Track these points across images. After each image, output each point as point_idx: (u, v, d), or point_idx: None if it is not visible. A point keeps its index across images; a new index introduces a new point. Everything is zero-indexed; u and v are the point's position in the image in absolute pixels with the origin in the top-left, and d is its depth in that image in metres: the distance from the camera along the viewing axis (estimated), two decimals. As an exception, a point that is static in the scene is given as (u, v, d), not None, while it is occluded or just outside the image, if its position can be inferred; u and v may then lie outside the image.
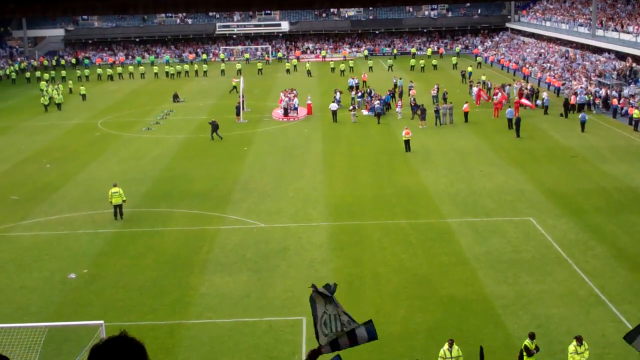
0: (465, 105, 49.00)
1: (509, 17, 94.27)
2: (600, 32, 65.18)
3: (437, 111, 47.76)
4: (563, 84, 58.74)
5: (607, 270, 23.81)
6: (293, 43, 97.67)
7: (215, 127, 44.51)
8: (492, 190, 32.88)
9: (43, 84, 66.41)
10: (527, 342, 17.85)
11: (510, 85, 57.53)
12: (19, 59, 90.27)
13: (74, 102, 62.74)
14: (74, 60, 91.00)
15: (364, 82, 62.43)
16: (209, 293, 22.88)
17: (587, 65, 62.36)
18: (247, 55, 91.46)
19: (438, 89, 55.15)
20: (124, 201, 29.96)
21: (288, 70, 78.27)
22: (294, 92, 55.86)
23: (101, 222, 29.80)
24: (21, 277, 24.73)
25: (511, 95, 53.87)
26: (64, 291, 23.48)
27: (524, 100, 50.91)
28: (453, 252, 25.68)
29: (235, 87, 62.86)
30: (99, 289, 23.56)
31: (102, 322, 18.19)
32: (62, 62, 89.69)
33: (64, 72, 77.99)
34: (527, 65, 70.51)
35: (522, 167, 36.62)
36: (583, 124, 44.78)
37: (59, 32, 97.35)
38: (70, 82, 69.34)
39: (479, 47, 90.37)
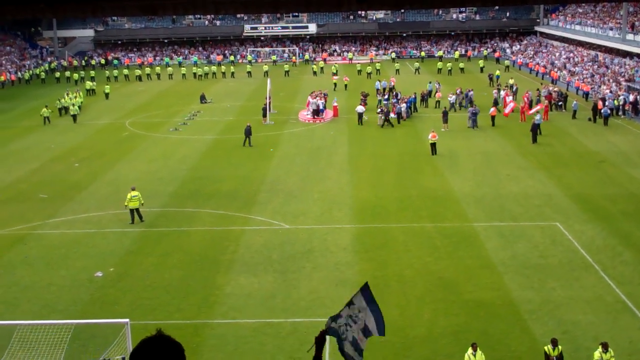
0: (492, 109, 48.72)
1: (538, 20, 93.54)
2: (630, 37, 64.41)
3: (474, 113, 47.53)
4: (592, 89, 58.17)
5: (635, 277, 23.54)
6: (320, 45, 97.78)
7: (248, 131, 43.85)
8: (519, 194, 32.66)
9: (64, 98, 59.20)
10: (547, 347, 17.73)
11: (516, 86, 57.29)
12: (49, 59, 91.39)
13: (100, 102, 63.44)
14: (103, 61, 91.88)
15: (393, 85, 62.18)
16: (234, 293, 22.99)
17: (617, 70, 61.69)
18: (274, 57, 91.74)
19: (461, 92, 54.83)
20: (141, 204, 30.09)
21: (315, 73, 78.36)
22: (323, 94, 55.74)
23: (128, 221, 30.04)
24: (49, 274, 25.03)
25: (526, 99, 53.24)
26: (91, 289, 23.73)
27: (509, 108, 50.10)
28: (479, 256, 25.55)
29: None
30: (126, 287, 23.78)
31: (127, 320, 18.37)
32: (92, 62, 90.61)
33: (93, 72, 78.78)
34: (555, 69, 69.93)
35: (549, 172, 36.33)
36: (606, 118, 45.57)
37: (89, 32, 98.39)
38: (94, 83, 69.81)
39: (507, 50, 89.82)
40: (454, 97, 54.22)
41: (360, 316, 6.88)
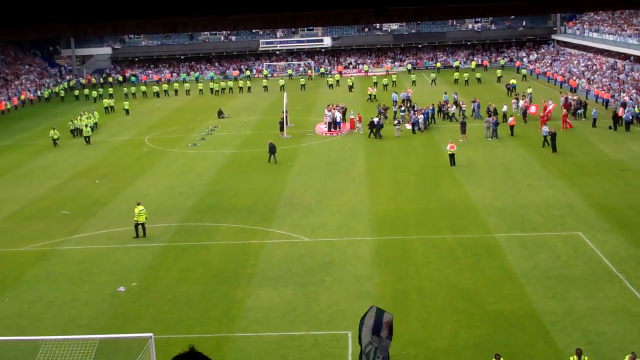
0: (511, 119, 48.58)
1: (555, 28, 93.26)
2: (649, 44, 64.05)
3: (496, 123, 47.44)
4: (612, 96, 57.84)
5: (659, 286, 23.32)
6: (335, 58, 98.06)
7: (272, 148, 43.54)
8: (540, 204, 32.48)
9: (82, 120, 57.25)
10: (571, 358, 17.61)
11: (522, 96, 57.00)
12: (67, 77, 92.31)
13: (119, 118, 64.00)
14: (121, 78, 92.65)
15: (410, 96, 62.11)
16: (255, 306, 23.03)
17: (637, 76, 61.32)
18: (290, 71, 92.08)
19: (479, 105, 54.72)
20: (146, 218, 30.38)
21: (331, 86, 78.57)
22: (341, 106, 55.73)
23: (149, 236, 30.23)
24: (72, 290, 25.21)
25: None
26: (114, 304, 23.86)
27: (530, 109, 50.85)
28: (500, 267, 25.42)
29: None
30: (148, 301, 23.90)
31: (151, 334, 18.46)
32: (110, 79, 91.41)
33: (111, 90, 79.43)
34: (574, 78, 69.64)
35: (571, 181, 36.12)
36: (628, 123, 45.70)
37: (106, 50, 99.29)
38: (113, 101, 70.25)
39: (524, 59, 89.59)
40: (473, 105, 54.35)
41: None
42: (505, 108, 52.82)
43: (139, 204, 30.49)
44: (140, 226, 30.17)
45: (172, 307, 23.39)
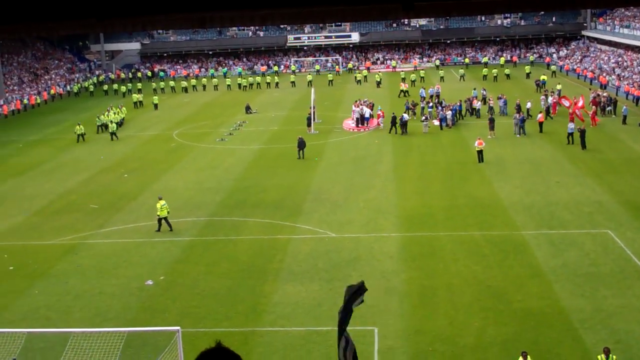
0: (540, 116, 48.13)
1: (585, 24, 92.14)
2: (681, 39, 63.06)
3: (523, 120, 47.02)
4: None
5: (690, 285, 22.99)
6: (363, 54, 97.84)
7: (301, 144, 43.51)
8: (569, 201, 32.17)
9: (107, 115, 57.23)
10: (599, 357, 17.44)
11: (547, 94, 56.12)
12: (96, 72, 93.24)
13: (148, 113, 64.52)
14: (149, 73, 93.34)
15: (439, 91, 61.74)
16: (281, 301, 23.10)
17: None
18: (317, 67, 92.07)
19: (505, 102, 54.22)
20: (168, 213, 30.60)
21: (358, 81, 78.42)
22: (367, 102, 55.62)
23: (177, 231, 30.45)
24: (100, 283, 25.49)
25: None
26: (142, 297, 24.08)
27: (563, 101, 50.21)
28: (528, 264, 25.23)
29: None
30: (175, 295, 24.09)
31: (178, 328, 18.59)
32: (139, 74, 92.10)
33: (140, 85, 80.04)
34: (604, 74, 68.80)
35: (600, 178, 35.70)
36: None
37: (135, 45, 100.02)
38: (142, 95, 70.71)
39: (554, 55, 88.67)
40: (501, 100, 53.92)
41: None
42: (529, 105, 52.13)
43: (160, 199, 30.72)
44: (163, 220, 30.41)
45: (199, 301, 23.55)
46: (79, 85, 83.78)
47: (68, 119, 63.02)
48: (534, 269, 24.81)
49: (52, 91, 79.26)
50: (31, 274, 26.78)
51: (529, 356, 17.56)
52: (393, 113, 50.67)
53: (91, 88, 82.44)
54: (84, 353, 19.11)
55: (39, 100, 74.98)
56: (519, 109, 50.60)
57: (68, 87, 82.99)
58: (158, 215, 30.41)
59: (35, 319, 22.76)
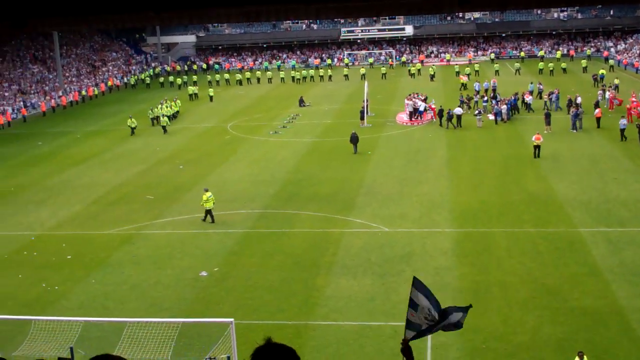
0: (597, 111, 47.08)
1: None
2: None
3: (576, 115, 46.06)
4: None
5: None
6: (417, 47, 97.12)
7: (354, 139, 43.12)
8: (627, 198, 31.45)
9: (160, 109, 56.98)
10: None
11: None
12: (153, 65, 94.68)
13: (203, 104, 65.26)
14: (204, 66, 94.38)
15: (495, 85, 60.93)
16: (334, 295, 23.15)
17: None
18: (370, 60, 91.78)
19: (557, 96, 53.08)
20: (214, 204, 31.00)
21: (412, 75, 77.90)
22: (419, 96, 55.20)
23: (231, 223, 30.76)
24: (156, 273, 25.92)
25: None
26: (196, 288, 24.41)
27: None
28: (585, 262, 24.77)
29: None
30: (229, 287, 24.35)
31: (232, 319, 18.79)
32: (194, 67, 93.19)
33: (195, 77, 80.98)
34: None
35: (660, 175, 34.81)
36: None
37: (191, 38, 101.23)
38: (197, 88, 71.49)
39: (612, 49, 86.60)
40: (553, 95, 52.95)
41: (433, 313, 6.70)
42: (579, 99, 50.80)
43: (206, 191, 31.14)
44: (209, 212, 30.87)
45: (252, 292, 23.76)
46: (136, 77, 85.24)
47: (124, 110, 64.14)
48: (591, 267, 24.34)
49: (109, 83, 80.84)
50: (89, 263, 27.38)
51: (585, 356, 17.25)
52: (441, 106, 50.27)
53: (147, 80, 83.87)
54: (139, 342, 19.47)
55: (96, 92, 76.59)
56: (570, 103, 49.60)
57: (125, 79, 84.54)
58: (202, 206, 30.93)
59: (93, 308, 23.26)
